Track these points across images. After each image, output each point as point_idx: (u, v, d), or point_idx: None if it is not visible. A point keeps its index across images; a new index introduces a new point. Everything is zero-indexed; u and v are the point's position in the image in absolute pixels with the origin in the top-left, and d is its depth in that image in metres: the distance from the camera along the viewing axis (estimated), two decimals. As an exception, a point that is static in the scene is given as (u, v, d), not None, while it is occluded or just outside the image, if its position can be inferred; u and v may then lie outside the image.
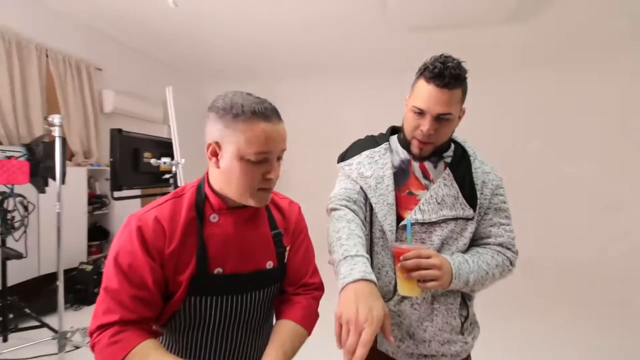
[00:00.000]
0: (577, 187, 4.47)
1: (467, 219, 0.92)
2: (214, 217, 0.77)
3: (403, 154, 1.00)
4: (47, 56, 3.33)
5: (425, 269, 0.79)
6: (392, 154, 1.01)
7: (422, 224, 0.92)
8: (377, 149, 1.02)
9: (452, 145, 1.00)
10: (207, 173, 0.81)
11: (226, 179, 0.75)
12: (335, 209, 0.95)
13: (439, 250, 0.92)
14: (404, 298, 0.95)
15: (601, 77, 4.26)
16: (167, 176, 2.00)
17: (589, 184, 4.42)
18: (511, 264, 0.94)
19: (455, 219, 0.92)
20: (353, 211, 0.94)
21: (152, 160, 2.15)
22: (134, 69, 4.53)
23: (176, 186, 1.99)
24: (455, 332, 0.95)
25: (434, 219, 0.91)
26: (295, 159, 5.13)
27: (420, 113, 0.88)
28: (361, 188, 0.98)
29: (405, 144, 0.98)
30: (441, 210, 0.91)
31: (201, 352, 0.79)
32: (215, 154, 0.74)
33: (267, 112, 0.71)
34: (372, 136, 1.09)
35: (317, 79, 5.38)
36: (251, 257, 0.79)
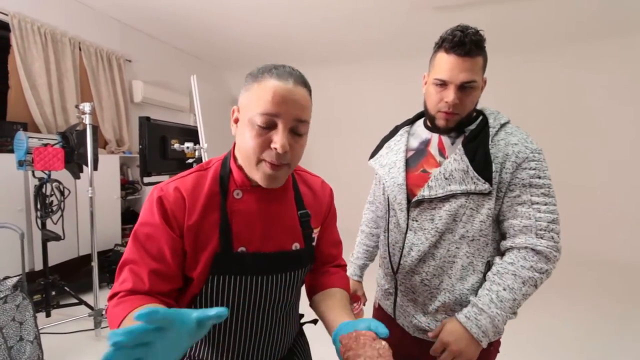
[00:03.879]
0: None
1: (483, 194, 0.87)
2: (237, 193, 0.72)
3: (425, 134, 1.01)
4: (80, 49, 3.48)
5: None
6: (412, 137, 1.04)
7: (431, 200, 0.92)
8: (395, 137, 1.08)
9: (480, 118, 0.95)
10: (234, 146, 0.75)
11: (238, 147, 0.70)
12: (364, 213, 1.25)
13: (450, 226, 0.90)
14: (413, 272, 0.96)
15: (633, 51, 3.89)
16: (190, 161, 2.03)
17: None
18: (547, 260, 0.83)
19: (467, 193, 0.87)
20: (372, 210, 1.20)
21: (176, 146, 2.20)
22: (161, 59, 4.65)
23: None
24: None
25: (440, 194, 0.89)
26: (318, 143, 5.13)
27: (443, 84, 0.87)
28: (380, 177, 1.07)
29: (431, 120, 0.97)
30: (449, 185, 0.89)
31: (225, 338, 0.74)
32: (236, 121, 0.70)
33: (281, 72, 0.64)
34: (396, 126, 1.12)
35: (338, 62, 5.28)
36: (275, 237, 0.74)
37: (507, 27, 3.86)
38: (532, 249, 0.83)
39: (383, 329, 0.61)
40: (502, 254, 0.91)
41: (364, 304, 1.22)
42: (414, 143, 1.02)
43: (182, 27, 4.12)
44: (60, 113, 3.27)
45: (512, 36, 4.11)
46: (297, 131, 0.67)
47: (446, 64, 0.85)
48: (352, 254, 1.25)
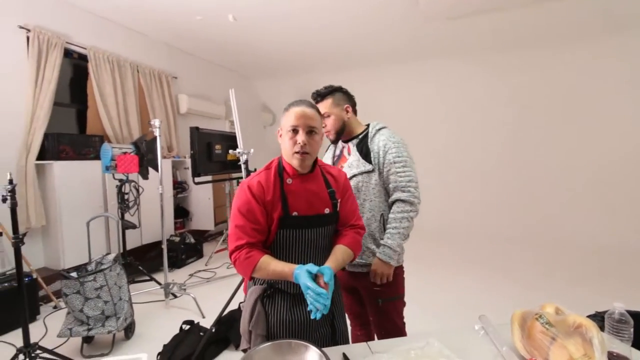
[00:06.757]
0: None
1: (369, 172, 1.47)
2: (289, 180, 1.14)
3: (341, 144, 1.63)
4: (137, 71, 4.14)
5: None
6: (337, 147, 1.66)
7: None
8: (328, 150, 1.72)
9: (367, 129, 1.56)
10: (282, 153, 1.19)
11: (283, 148, 1.13)
12: None
13: (357, 194, 1.47)
14: None
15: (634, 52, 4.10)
16: (240, 163, 2.52)
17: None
18: (411, 204, 1.42)
19: (361, 173, 1.48)
20: None
21: (230, 151, 2.71)
22: (201, 74, 5.29)
23: (247, 170, 2.53)
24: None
25: (348, 176, 1.42)
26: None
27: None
28: None
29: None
30: (351, 170, 1.50)
31: None
32: (280, 135, 1.16)
33: (299, 102, 1.13)
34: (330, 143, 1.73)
35: (356, 67, 5.76)
36: (315, 205, 1.15)
37: (507, 30, 4.19)
38: (400, 200, 1.44)
39: (327, 271, 1.00)
40: (389, 206, 1.49)
41: None
42: (337, 151, 1.64)
43: (218, 45, 4.71)
44: (125, 125, 3.93)
45: (512, 37, 4.42)
46: (311, 133, 1.12)
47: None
48: None
